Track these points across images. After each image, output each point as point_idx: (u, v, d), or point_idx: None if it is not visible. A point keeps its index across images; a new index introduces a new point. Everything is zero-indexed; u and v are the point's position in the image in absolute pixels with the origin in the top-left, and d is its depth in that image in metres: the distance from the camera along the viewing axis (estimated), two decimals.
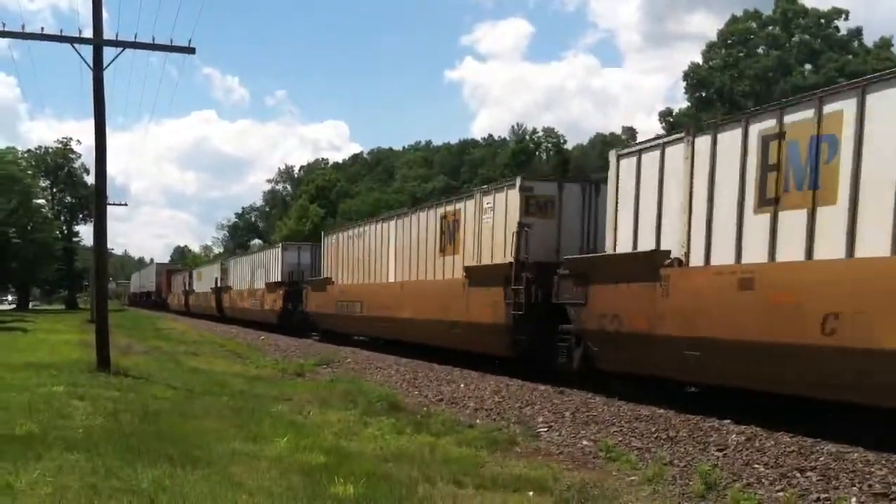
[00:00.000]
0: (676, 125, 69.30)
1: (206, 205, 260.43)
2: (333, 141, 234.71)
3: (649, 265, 14.70)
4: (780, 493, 8.72)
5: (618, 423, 12.98)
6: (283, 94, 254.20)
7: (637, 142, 17.53)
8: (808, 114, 11.80)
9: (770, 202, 12.35)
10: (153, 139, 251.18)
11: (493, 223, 20.71)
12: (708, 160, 13.62)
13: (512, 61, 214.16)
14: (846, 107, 11.18)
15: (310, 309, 36.99)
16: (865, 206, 10.83)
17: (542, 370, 18.53)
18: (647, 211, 15.25)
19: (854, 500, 8.39)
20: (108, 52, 19.31)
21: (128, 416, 12.25)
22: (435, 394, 17.41)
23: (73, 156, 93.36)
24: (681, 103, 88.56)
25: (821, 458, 9.81)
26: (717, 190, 13.45)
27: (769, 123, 12.49)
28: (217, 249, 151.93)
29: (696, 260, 13.83)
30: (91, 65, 19.12)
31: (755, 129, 12.74)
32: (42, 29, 19.53)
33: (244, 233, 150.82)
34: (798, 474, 9.33)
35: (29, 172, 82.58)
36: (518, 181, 19.89)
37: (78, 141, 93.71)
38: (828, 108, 11.48)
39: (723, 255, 13.19)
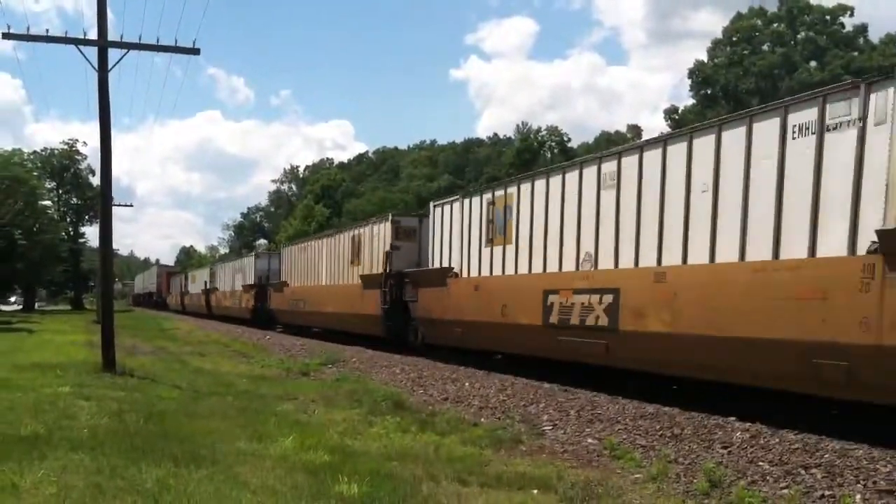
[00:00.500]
0: (682, 122, 69.28)
1: (212, 205, 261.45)
2: (338, 140, 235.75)
3: (443, 275, 23.74)
4: (785, 491, 8.71)
5: (623, 420, 12.98)
6: (287, 94, 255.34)
7: (441, 200, 25.72)
8: (502, 192, 21.02)
9: (489, 241, 21.44)
10: (158, 140, 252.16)
11: (376, 245, 29.09)
12: (465, 214, 22.86)
13: (517, 60, 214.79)
14: (516, 190, 20.32)
15: (272, 306, 45.45)
16: (521, 245, 19.89)
17: (401, 344, 27.13)
18: (442, 241, 24.42)
19: (859, 496, 8.37)
20: (113, 54, 19.36)
21: (133, 416, 12.27)
22: (440, 392, 17.41)
23: (79, 157, 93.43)
24: (686, 101, 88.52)
25: (825, 455, 9.80)
26: (471, 232, 22.43)
27: (488, 196, 21.70)
28: (223, 250, 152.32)
29: (464, 273, 22.86)
30: (96, 66, 19.15)
31: (484, 198, 21.88)
32: (47, 31, 19.57)
33: (249, 233, 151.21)
34: (803, 471, 9.31)
35: (35, 174, 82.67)
36: (390, 217, 28.62)
37: (84, 142, 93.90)
38: (510, 190, 20.62)
39: (472, 271, 22.36)
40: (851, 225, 11.13)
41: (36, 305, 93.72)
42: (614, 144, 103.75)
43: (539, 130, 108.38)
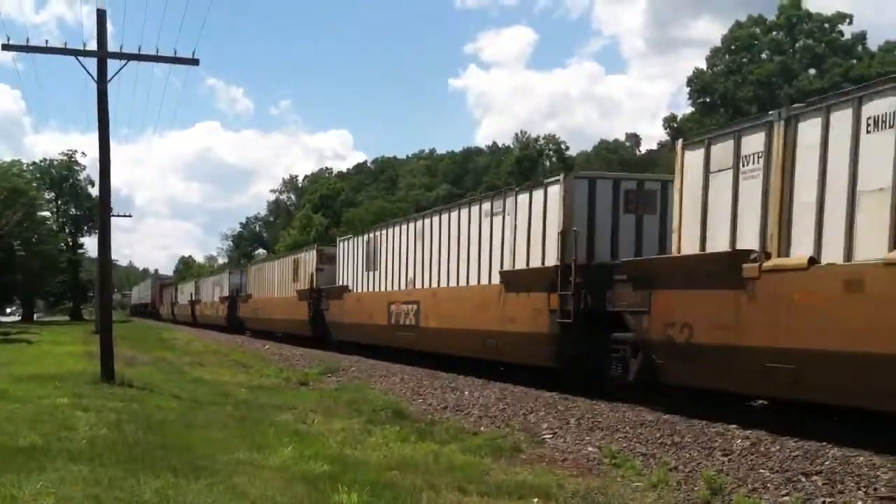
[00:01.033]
0: (681, 131, 69.35)
1: (211, 215, 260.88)
2: (338, 150, 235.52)
3: (342, 291, 32.81)
4: (786, 498, 8.69)
5: (623, 428, 12.95)
6: (287, 104, 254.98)
7: (345, 237, 34.73)
8: (375, 234, 29.71)
9: (367, 268, 30.59)
10: (157, 151, 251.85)
11: (308, 267, 38.22)
12: (356, 248, 31.89)
13: (516, 69, 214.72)
14: (381, 234, 29.14)
15: (241, 314, 53.98)
16: (382, 271, 28.56)
17: (323, 342, 35.23)
18: (344, 266, 33.55)
19: (860, 503, 8.35)
20: (113, 65, 19.35)
21: (132, 426, 12.23)
22: (439, 401, 17.38)
23: (78, 168, 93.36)
24: (685, 109, 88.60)
25: (826, 463, 9.77)
26: (357, 261, 31.68)
27: (368, 237, 30.52)
28: (222, 260, 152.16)
29: (354, 290, 31.73)
30: (95, 77, 19.15)
31: (366, 238, 30.69)
32: (46, 42, 19.57)
33: (248, 243, 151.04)
34: (803, 479, 9.29)
35: (34, 185, 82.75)
36: (316, 246, 39.52)
37: (83, 153, 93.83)
38: (378, 233, 29.02)
39: (358, 288, 31.46)
40: (488, 269, 21.07)
41: (35, 316, 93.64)
42: (613, 153, 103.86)
43: (538, 139, 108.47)
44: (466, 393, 18.05)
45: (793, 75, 69.50)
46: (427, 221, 25.29)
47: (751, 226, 12.75)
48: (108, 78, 19.24)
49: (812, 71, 70.15)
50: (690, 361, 13.78)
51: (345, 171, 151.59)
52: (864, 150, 10.95)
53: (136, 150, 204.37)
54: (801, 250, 11.85)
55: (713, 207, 13.61)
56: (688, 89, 76.90)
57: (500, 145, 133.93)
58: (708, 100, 74.78)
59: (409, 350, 26.01)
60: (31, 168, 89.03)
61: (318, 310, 35.82)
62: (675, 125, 75.94)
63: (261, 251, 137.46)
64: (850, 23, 71.62)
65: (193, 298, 72.54)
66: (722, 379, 13.38)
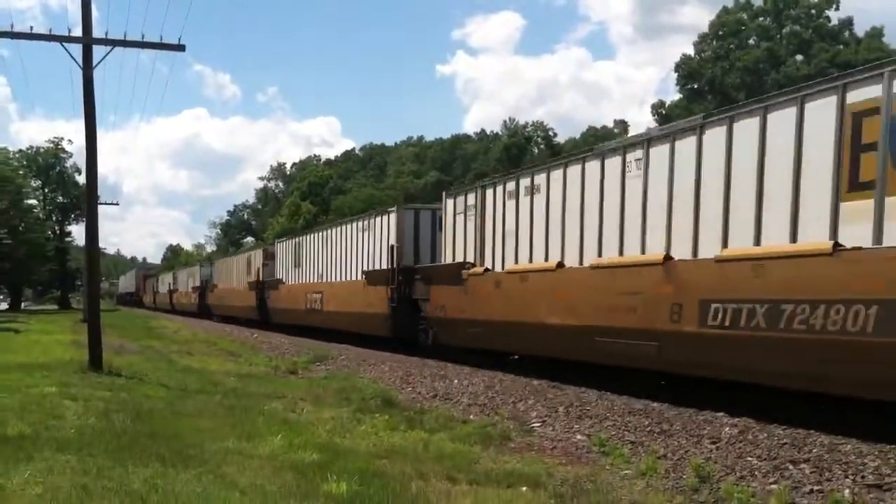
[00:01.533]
0: (669, 117, 69.42)
1: (199, 203, 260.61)
2: (326, 137, 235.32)
3: (278, 283, 41.83)
4: (774, 486, 8.72)
5: (611, 417, 12.98)
6: (274, 91, 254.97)
7: (282, 239, 44.45)
8: (300, 239, 39.94)
9: (296, 265, 39.11)
10: (144, 138, 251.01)
11: (258, 262, 46.11)
12: (289, 248, 40.95)
13: (504, 55, 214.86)
14: (304, 239, 38.60)
15: (208, 302, 61.99)
16: (305, 268, 37.59)
17: (266, 323, 43.98)
18: (282, 262, 42.06)
19: (847, 491, 8.38)
20: (98, 51, 19.22)
21: (120, 415, 12.19)
22: (428, 390, 17.39)
23: (65, 155, 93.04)
24: (673, 95, 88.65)
25: (814, 450, 9.81)
26: (287, 260, 41.18)
27: (296, 240, 39.39)
28: (210, 248, 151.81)
29: (287, 282, 40.44)
30: (81, 64, 19.03)
31: (294, 242, 39.84)
32: (31, 28, 19.45)
33: (237, 231, 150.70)
34: (791, 466, 9.33)
35: (20, 172, 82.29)
36: (261, 246, 49.78)
37: (69, 140, 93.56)
38: (301, 238, 38.97)
39: (289, 281, 39.64)
40: (359, 269, 29.68)
41: (22, 305, 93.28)
42: (601, 139, 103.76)
43: (526, 126, 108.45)
44: (455, 381, 18.07)
45: (780, 61, 69.62)
46: (329, 232, 34.26)
47: (469, 248, 21.76)
48: (94, 64, 19.12)
49: (799, 57, 70.28)
50: (447, 329, 22.98)
51: (333, 158, 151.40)
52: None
53: (123, 137, 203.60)
54: (487, 263, 20.83)
55: (455, 236, 22.62)
56: (675, 75, 76.98)
57: (488, 132, 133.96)
58: (696, 86, 74.84)
59: (318, 327, 34.68)
60: (17, 156, 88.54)
61: (263, 298, 44.40)
62: (664, 111, 75.98)
63: (249, 239, 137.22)
64: (837, 8, 71.76)
65: (172, 288, 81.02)
66: (462, 339, 22.21)
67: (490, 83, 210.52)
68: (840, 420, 11.02)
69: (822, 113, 11.54)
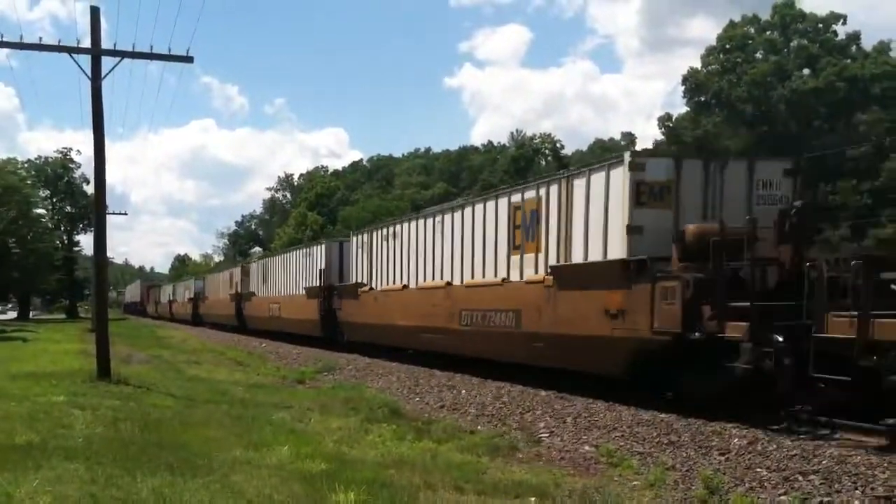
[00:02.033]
0: (676, 130, 69.35)
1: (206, 213, 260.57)
2: (333, 148, 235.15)
3: (251, 295, 49.49)
4: (783, 497, 8.70)
5: (619, 428, 12.95)
6: (282, 102, 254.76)
7: (256, 259, 53.92)
8: (265, 260, 51.57)
9: (262, 284, 47.63)
10: (152, 148, 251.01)
11: (236, 279, 52.83)
12: (259, 268, 50.00)
13: (511, 67, 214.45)
14: (271, 260, 48.90)
15: (201, 311, 68.24)
16: (263, 285, 47.74)
17: (243, 329, 50.55)
18: (256, 279, 48.86)
19: (857, 503, 8.35)
20: (107, 62, 19.36)
21: (128, 425, 12.22)
22: (436, 400, 17.38)
23: (73, 165, 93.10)
24: (680, 108, 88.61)
25: (823, 462, 9.77)
26: (255, 280, 49.09)
27: (264, 261, 50.38)
28: (217, 258, 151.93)
29: (258, 294, 48.70)
30: (89, 74, 19.12)
31: (263, 262, 50.33)
32: (40, 39, 19.59)
33: (244, 241, 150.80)
34: (801, 478, 9.29)
35: (28, 182, 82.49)
36: (240, 264, 57.48)
37: (78, 151, 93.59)
38: (264, 261, 51.46)
39: (259, 294, 47.42)
40: (304, 285, 37.31)
41: (31, 314, 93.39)
42: (608, 152, 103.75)
43: (533, 138, 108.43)
44: (463, 392, 18.05)
45: (787, 75, 69.56)
46: (285, 256, 43.56)
47: (363, 272, 29.33)
48: (103, 75, 19.23)
49: (806, 71, 70.20)
50: (351, 330, 31.07)
51: (340, 169, 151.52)
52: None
53: (131, 147, 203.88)
54: (372, 284, 28.32)
55: (356, 263, 30.26)
56: (682, 88, 76.92)
57: (495, 144, 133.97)
58: (703, 99, 74.77)
59: (278, 331, 41.89)
60: (25, 165, 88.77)
61: (240, 307, 51.70)
62: (670, 124, 75.93)
63: (257, 249, 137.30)
64: (844, 23, 71.59)
65: (171, 298, 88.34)
66: (359, 336, 30.19)
67: (497, 95, 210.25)
68: (849, 432, 10.98)
69: (502, 206, 19.82)
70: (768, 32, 72.78)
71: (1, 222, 59.85)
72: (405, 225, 26.16)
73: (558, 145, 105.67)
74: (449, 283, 22.26)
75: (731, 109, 67.19)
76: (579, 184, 16.88)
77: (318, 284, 34.42)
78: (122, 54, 19.47)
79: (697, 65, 76.18)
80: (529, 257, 18.54)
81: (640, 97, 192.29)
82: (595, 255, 16.21)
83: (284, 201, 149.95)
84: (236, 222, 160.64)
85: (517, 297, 18.71)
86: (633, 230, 15.16)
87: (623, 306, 15.09)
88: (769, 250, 13.78)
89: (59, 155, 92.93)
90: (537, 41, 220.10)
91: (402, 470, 9.76)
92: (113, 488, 8.08)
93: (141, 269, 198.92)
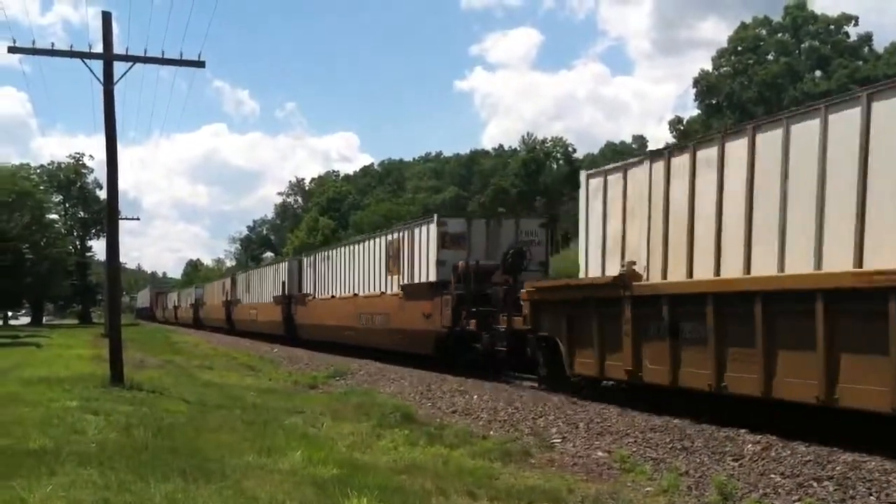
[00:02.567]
0: (687, 132, 69.27)
1: (218, 218, 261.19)
2: (344, 152, 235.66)
3: (238, 302, 56.88)
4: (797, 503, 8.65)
5: (632, 433, 12.91)
6: (293, 107, 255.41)
7: (244, 270, 65.27)
8: (246, 272, 61.07)
9: (245, 292, 56.40)
10: (164, 153, 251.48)
11: (227, 287, 61.41)
12: (242, 280, 58.50)
13: (522, 70, 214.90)
14: (252, 271, 59.85)
15: (201, 316, 74.43)
16: (244, 292, 56.92)
17: (233, 330, 58.34)
18: (244, 288, 56.35)
19: None
20: (119, 67, 19.39)
21: (141, 430, 12.24)
22: (448, 405, 17.36)
23: (86, 171, 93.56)
24: (691, 110, 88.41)
25: (837, 468, 9.71)
26: (244, 288, 56.30)
27: (247, 272, 59.17)
28: (229, 263, 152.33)
29: (242, 301, 56.64)
30: (102, 79, 19.19)
31: (246, 274, 58.87)
32: (52, 44, 19.66)
33: (256, 246, 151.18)
34: (815, 484, 9.25)
35: (41, 188, 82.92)
36: (230, 275, 67.82)
37: (90, 156, 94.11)
38: (245, 272, 61.11)
39: (244, 301, 55.22)
40: (272, 296, 46.74)
41: (44, 319, 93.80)
42: (620, 155, 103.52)
43: (545, 141, 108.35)
44: (475, 397, 18.01)
45: (798, 77, 69.40)
46: (260, 269, 54.10)
47: (310, 284, 38.75)
48: (115, 80, 19.28)
49: (818, 72, 70.03)
50: (303, 330, 39.41)
51: (351, 173, 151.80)
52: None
53: (144, 152, 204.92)
54: (316, 294, 37.53)
55: (310, 277, 38.63)
56: (694, 90, 76.83)
57: (506, 147, 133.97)
58: (714, 101, 74.66)
59: (257, 332, 49.73)
60: (38, 171, 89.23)
61: (230, 312, 59.05)
62: (682, 127, 75.85)
63: (269, 254, 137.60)
64: (856, 24, 71.54)
65: (176, 304, 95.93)
66: (309, 335, 38.36)
67: (508, 99, 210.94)
68: (864, 437, 10.91)
69: (382, 243, 29.00)
70: (780, 34, 72.62)
71: (14, 228, 60.13)
72: (334, 251, 35.79)
73: (570, 149, 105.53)
74: (355, 295, 31.53)
75: (743, 111, 67.04)
76: (416, 233, 25.82)
77: (281, 294, 43.09)
78: (134, 59, 19.54)
79: (709, 67, 76.13)
80: (394, 278, 27.55)
81: (651, 100, 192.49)
82: (421, 279, 25.09)
83: (296, 206, 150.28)
84: (248, 227, 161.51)
85: (387, 305, 27.95)
86: (439, 263, 23.85)
87: (431, 311, 24.09)
88: (500, 278, 22.12)
89: (72, 160, 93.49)
90: (548, 44, 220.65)
91: (414, 475, 9.75)
92: (126, 494, 8.10)
93: (153, 274, 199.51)
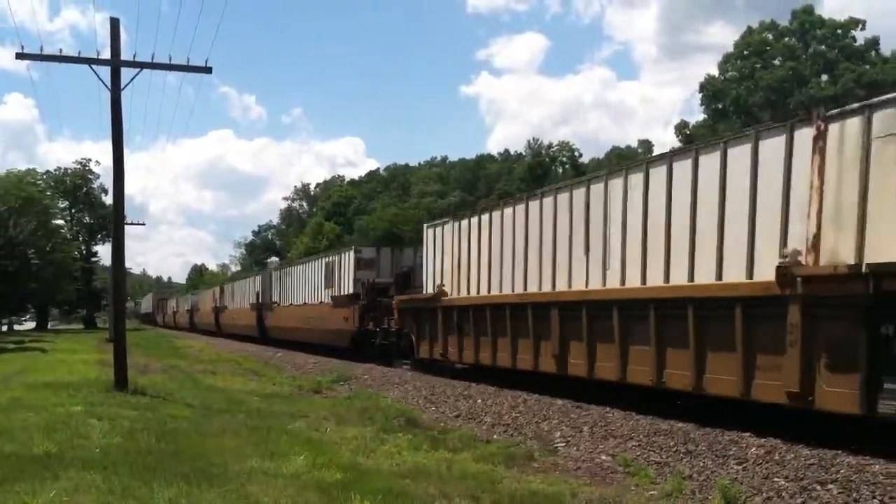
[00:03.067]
0: (693, 137, 69.20)
1: (224, 223, 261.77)
2: (350, 157, 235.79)
3: (225, 308, 64.57)
4: None
5: (636, 437, 12.89)
6: (299, 112, 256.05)
7: (232, 279, 76.92)
8: (231, 284, 70.06)
9: (231, 299, 64.83)
10: (171, 158, 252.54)
11: (216, 294, 69.73)
12: (228, 291, 68.14)
13: (528, 75, 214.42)
14: (232, 283, 70.83)
15: (195, 320, 79.99)
16: (230, 301, 65.34)
17: (221, 333, 66.26)
18: (229, 296, 64.50)
19: None
20: (126, 73, 19.46)
21: (145, 435, 12.25)
22: (452, 409, 17.36)
23: (92, 176, 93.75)
24: (697, 115, 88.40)
25: (841, 471, 9.69)
26: (230, 297, 65.11)
27: (232, 285, 67.05)
28: (234, 268, 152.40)
29: (228, 307, 64.12)
30: (109, 85, 19.25)
31: (230, 286, 68.50)
32: (60, 50, 19.75)
33: (261, 251, 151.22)
34: (819, 487, 9.22)
35: (48, 193, 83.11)
36: (220, 282, 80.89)
37: (97, 161, 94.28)
38: (228, 284, 70.97)
39: (230, 307, 63.25)
40: (247, 302, 57.28)
41: (49, 324, 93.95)
42: (625, 159, 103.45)
43: (550, 146, 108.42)
44: (479, 401, 18.01)
45: (805, 81, 69.32)
46: (242, 280, 61.57)
47: (278, 293, 48.35)
48: (122, 86, 19.34)
49: (824, 77, 69.94)
50: (273, 332, 48.51)
51: (357, 178, 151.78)
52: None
53: (150, 157, 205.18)
54: (281, 302, 47.36)
55: (277, 287, 48.85)
56: (700, 95, 76.78)
57: (512, 152, 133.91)
58: (720, 106, 74.59)
59: (238, 334, 58.36)
60: (44, 177, 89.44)
61: (218, 317, 66.37)
62: (688, 132, 75.77)
63: (274, 259, 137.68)
64: (863, 28, 71.43)
65: (175, 309, 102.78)
66: (277, 336, 47.23)
67: (514, 104, 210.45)
68: (868, 441, 10.88)
69: (322, 263, 39.03)
70: (786, 38, 72.55)
71: (21, 233, 60.25)
72: (294, 267, 45.88)
73: (576, 153, 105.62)
74: (304, 303, 41.22)
75: (749, 116, 66.98)
76: (343, 257, 35.38)
77: (255, 301, 51.86)
78: (142, 65, 19.60)
79: (715, 72, 76.05)
80: (329, 290, 36.61)
81: (657, 104, 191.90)
82: (343, 292, 34.36)
83: (301, 211, 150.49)
84: (253, 232, 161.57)
85: (323, 311, 37.06)
86: (356, 281, 32.81)
87: (348, 316, 33.08)
88: (394, 292, 28.86)
89: (79, 166, 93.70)
90: (554, 49, 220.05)
91: (417, 480, 9.74)
92: (130, 499, 8.11)
93: (158, 279, 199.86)
